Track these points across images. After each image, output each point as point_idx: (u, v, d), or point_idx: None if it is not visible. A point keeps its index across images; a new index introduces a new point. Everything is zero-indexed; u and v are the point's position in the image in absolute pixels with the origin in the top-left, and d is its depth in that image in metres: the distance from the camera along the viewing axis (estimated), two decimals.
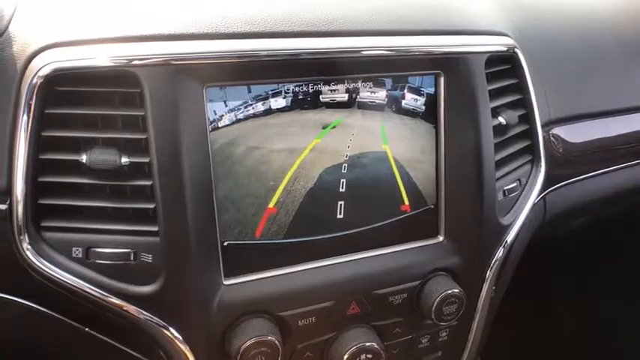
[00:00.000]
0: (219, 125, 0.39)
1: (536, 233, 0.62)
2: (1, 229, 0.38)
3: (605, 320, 1.09)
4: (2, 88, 0.38)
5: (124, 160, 0.37)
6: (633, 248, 1.00)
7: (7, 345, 0.47)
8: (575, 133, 0.64)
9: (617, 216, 0.91)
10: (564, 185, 0.65)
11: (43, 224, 0.38)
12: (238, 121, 0.40)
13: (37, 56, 0.37)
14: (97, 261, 0.38)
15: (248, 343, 0.39)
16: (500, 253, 0.50)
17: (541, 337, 1.16)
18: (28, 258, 0.38)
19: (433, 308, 0.45)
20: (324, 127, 0.42)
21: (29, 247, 0.37)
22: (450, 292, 0.45)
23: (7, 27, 0.40)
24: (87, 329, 0.41)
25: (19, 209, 0.37)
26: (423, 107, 0.46)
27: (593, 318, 1.10)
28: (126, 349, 0.42)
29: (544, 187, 0.57)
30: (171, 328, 0.39)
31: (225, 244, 0.41)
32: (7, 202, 0.38)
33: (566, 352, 1.15)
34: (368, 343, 0.43)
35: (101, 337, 0.41)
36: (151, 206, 0.37)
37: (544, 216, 0.62)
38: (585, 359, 1.14)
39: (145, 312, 0.38)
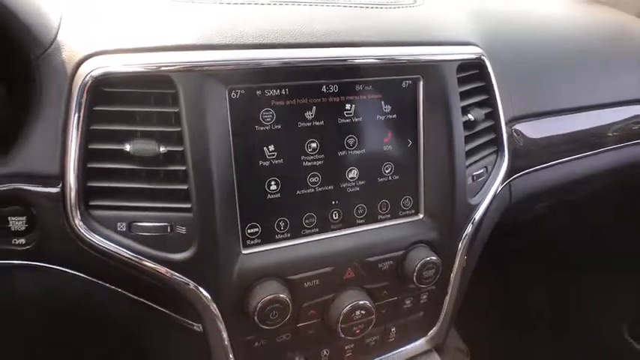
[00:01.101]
0: (239, 120, 0.47)
1: (504, 215, 0.72)
2: (54, 208, 0.45)
3: (567, 294, 1.21)
4: (55, 88, 0.45)
5: (162, 149, 0.45)
6: (593, 229, 1.12)
7: (56, 312, 0.54)
8: (535, 129, 0.74)
9: (577, 200, 1.02)
10: (527, 173, 0.75)
11: (91, 203, 0.45)
12: (253, 116, 0.48)
13: (85, 62, 0.45)
14: (139, 233, 0.45)
15: (264, 300, 0.47)
16: (469, 228, 0.59)
17: (511, 313, 1.28)
18: (81, 232, 0.45)
19: (415, 273, 0.54)
20: (324, 122, 0.51)
21: (81, 223, 0.45)
22: (428, 259, 0.54)
23: (56, 36, 0.47)
24: (128, 293, 0.48)
25: (72, 191, 0.44)
26: (407, 106, 0.54)
27: (558, 294, 1.22)
28: (161, 308, 0.49)
29: (508, 175, 0.66)
30: (201, 288, 0.47)
31: (244, 219, 0.49)
32: (59, 186, 0.45)
33: (534, 327, 1.27)
34: (361, 302, 0.52)
35: (140, 299, 0.49)
36: (185, 187, 0.45)
37: (510, 200, 0.72)
38: (552, 334, 1.26)
39: (179, 275, 0.46)
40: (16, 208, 0.45)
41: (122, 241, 0.45)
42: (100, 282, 0.48)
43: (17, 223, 0.46)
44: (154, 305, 0.49)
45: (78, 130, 0.44)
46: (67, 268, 0.48)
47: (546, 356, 1.29)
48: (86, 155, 0.45)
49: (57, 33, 0.46)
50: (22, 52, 0.45)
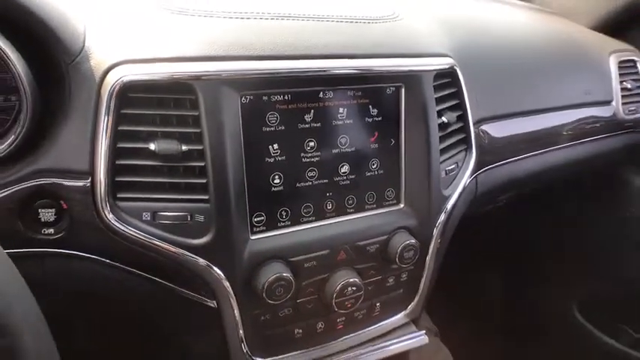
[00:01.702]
0: (249, 121, 0.54)
1: (471, 205, 0.81)
2: (84, 201, 0.51)
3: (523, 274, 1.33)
4: (85, 93, 0.50)
5: (184, 147, 0.51)
6: (546, 218, 1.24)
7: (81, 294, 0.59)
8: (499, 129, 0.84)
9: (534, 193, 1.14)
10: (491, 168, 0.85)
11: (119, 196, 0.51)
12: (261, 119, 0.55)
13: (113, 69, 0.50)
14: (162, 222, 0.52)
15: (271, 278, 0.54)
16: (442, 216, 0.68)
17: (473, 297, 1.40)
18: (110, 222, 0.50)
19: (397, 254, 0.62)
20: (321, 123, 0.58)
21: (110, 214, 0.50)
22: (408, 242, 0.62)
23: (83, 45, 0.52)
24: (151, 276, 0.54)
25: (102, 185, 0.50)
26: (391, 110, 0.63)
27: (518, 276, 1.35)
28: (180, 288, 0.56)
29: (475, 169, 0.76)
30: (216, 269, 0.53)
31: (252, 208, 0.56)
32: (89, 180, 0.50)
33: (492, 310, 1.39)
34: (352, 280, 0.60)
35: (161, 281, 0.55)
36: (203, 181, 0.52)
37: (476, 192, 0.82)
38: (507, 316, 1.39)
39: (198, 257, 0.53)
40: (45, 201, 0.51)
41: (147, 229, 0.51)
42: (126, 267, 0.54)
43: (47, 214, 0.51)
44: (174, 286, 0.56)
45: (107, 130, 0.50)
46: (95, 254, 0.54)
47: (502, 339, 1.42)
48: (114, 153, 0.50)
49: (84, 42, 0.52)
50: (54, 60, 0.50)
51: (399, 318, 0.69)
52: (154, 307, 0.59)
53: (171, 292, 0.56)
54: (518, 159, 0.90)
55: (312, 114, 0.57)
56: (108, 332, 0.68)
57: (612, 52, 1.07)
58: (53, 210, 0.51)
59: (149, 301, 0.58)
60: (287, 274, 0.55)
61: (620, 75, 1.08)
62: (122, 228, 0.51)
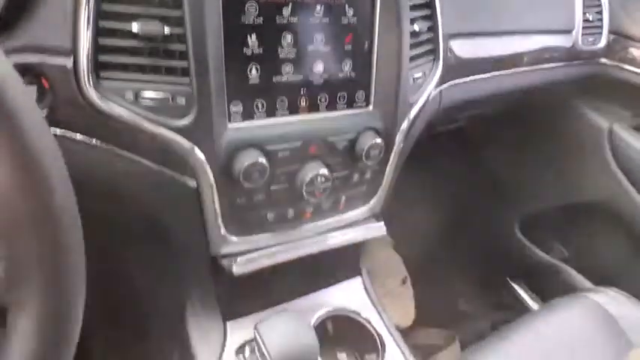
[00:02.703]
0: (230, 10, 0.55)
1: (434, 118, 0.87)
2: (67, 79, 0.52)
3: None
4: None
5: (166, 30, 0.52)
6: (500, 139, 1.34)
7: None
8: (466, 46, 0.88)
9: (494, 115, 1.22)
10: (455, 85, 0.90)
11: (101, 75, 0.53)
12: (241, 9, 0.56)
13: None
14: (145, 101, 0.54)
15: (248, 163, 0.59)
16: (406, 122, 0.73)
17: (431, 214, 1.52)
18: (93, 99, 0.52)
19: (364, 152, 0.68)
20: (298, 19, 0.60)
21: (93, 90, 0.52)
22: (374, 142, 0.68)
23: None
24: (134, 155, 0.58)
25: (85, 63, 0.51)
26: (366, 12, 0.65)
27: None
28: (162, 167, 0.59)
29: (440, 81, 0.81)
30: (197, 150, 0.57)
31: (230, 97, 0.59)
32: (71, 58, 0.52)
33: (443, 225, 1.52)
34: (322, 171, 0.66)
35: (144, 160, 0.58)
36: (185, 64, 0.54)
37: (439, 106, 0.87)
38: (457, 235, 1.53)
39: (180, 137, 0.56)
40: (26, 79, 0.52)
41: (131, 108, 0.54)
42: (112, 147, 0.57)
43: None
44: (156, 165, 0.59)
45: (90, 7, 0.50)
46: (78, 132, 0.56)
47: (456, 251, 1.56)
48: (97, 31, 0.51)
49: None
50: None
51: (361, 211, 0.76)
52: (139, 189, 0.62)
53: (154, 172, 0.59)
54: (481, 78, 0.95)
55: (289, 8, 0.59)
56: (94, 220, 0.73)
57: None
58: (35, 87, 0.52)
59: (134, 183, 0.61)
60: (262, 160, 0.60)
61: (585, 6, 1.13)
62: (105, 106, 0.53)
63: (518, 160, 1.39)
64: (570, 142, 1.31)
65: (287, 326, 0.59)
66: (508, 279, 1.51)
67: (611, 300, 1.02)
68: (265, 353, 0.58)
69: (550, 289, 1.40)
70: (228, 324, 0.76)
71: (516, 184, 1.43)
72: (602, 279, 1.20)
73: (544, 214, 1.44)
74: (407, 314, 1.39)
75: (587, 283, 1.33)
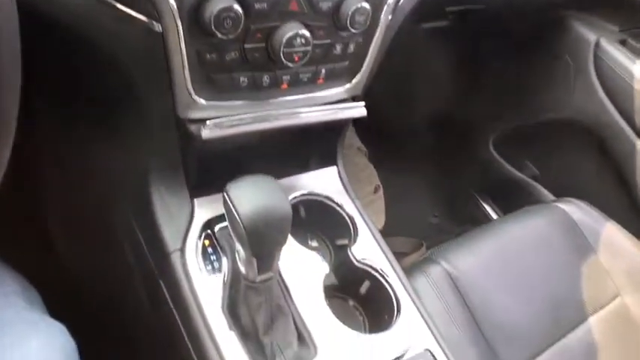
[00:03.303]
0: None
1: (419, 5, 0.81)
2: None
3: None
4: None
5: None
6: (490, 42, 1.29)
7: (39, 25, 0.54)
8: None
9: (483, 19, 1.17)
10: None
11: None
12: None
13: None
14: None
15: (220, 6, 0.53)
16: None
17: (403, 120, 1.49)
18: None
19: (348, 16, 0.62)
20: None
21: None
22: (361, 4, 0.62)
23: None
24: None
25: None
26: None
27: None
28: (128, 9, 0.53)
29: None
30: None
31: None
32: None
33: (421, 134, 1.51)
34: (301, 31, 0.60)
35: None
36: None
37: None
38: (436, 144, 1.52)
39: None
40: None
41: None
42: None
43: None
44: (123, 6, 0.53)
45: None
46: None
47: (429, 164, 1.57)
48: None
49: None
50: None
51: (341, 90, 0.72)
52: (104, 35, 0.56)
53: (121, 18, 0.53)
54: None
55: None
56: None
57: None
58: None
59: (99, 28, 0.55)
60: (237, 7, 0.54)
61: None
62: None
63: (502, 71, 1.36)
64: (557, 56, 1.28)
65: (259, 188, 0.56)
66: (475, 193, 1.54)
67: (575, 209, 1.05)
68: (236, 216, 0.55)
69: (517, 204, 1.43)
70: (196, 201, 0.73)
71: (496, 99, 1.41)
72: (568, 194, 1.23)
73: (519, 132, 1.45)
74: (377, 223, 1.41)
75: (553, 199, 1.37)
